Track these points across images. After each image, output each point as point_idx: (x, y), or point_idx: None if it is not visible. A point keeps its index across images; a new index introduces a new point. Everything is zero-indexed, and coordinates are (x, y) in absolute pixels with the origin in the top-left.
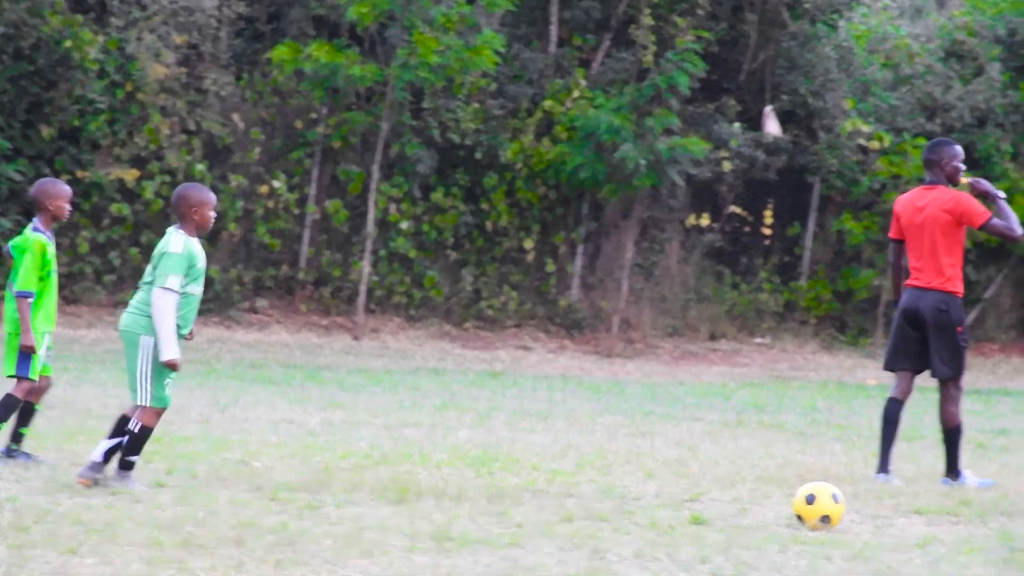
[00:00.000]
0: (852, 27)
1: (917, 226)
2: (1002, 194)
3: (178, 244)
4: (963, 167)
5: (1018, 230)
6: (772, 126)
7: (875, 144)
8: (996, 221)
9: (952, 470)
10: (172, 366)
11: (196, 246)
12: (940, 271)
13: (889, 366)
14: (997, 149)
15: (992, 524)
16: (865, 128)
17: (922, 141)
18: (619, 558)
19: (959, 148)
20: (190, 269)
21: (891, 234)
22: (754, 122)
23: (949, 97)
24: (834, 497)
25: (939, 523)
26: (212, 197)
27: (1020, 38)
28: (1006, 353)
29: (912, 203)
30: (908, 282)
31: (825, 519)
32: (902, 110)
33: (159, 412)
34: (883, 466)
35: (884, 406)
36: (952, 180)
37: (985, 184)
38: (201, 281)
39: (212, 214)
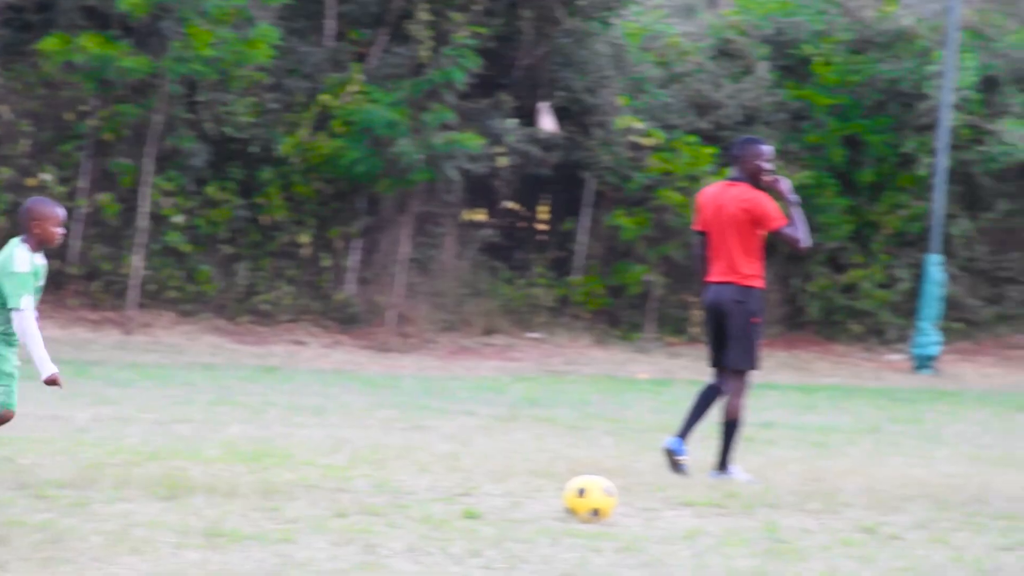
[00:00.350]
0: (626, 25)
1: (717, 222)
2: (797, 199)
3: (23, 262)
4: (767, 166)
5: (804, 241)
6: (547, 122)
7: (648, 141)
8: (787, 230)
9: (723, 463)
10: (53, 382)
11: (40, 260)
12: (738, 267)
13: (711, 363)
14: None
15: (758, 516)
16: (638, 125)
17: (693, 138)
18: (392, 552)
19: (766, 147)
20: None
21: (694, 226)
22: (529, 118)
23: (719, 95)
24: (605, 490)
25: (706, 515)
26: (59, 213)
27: (787, 38)
28: (772, 348)
29: (714, 198)
30: (708, 278)
31: (596, 512)
32: (674, 107)
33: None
34: (682, 432)
35: (703, 387)
36: (755, 178)
37: (784, 185)
38: (38, 297)
39: (58, 230)
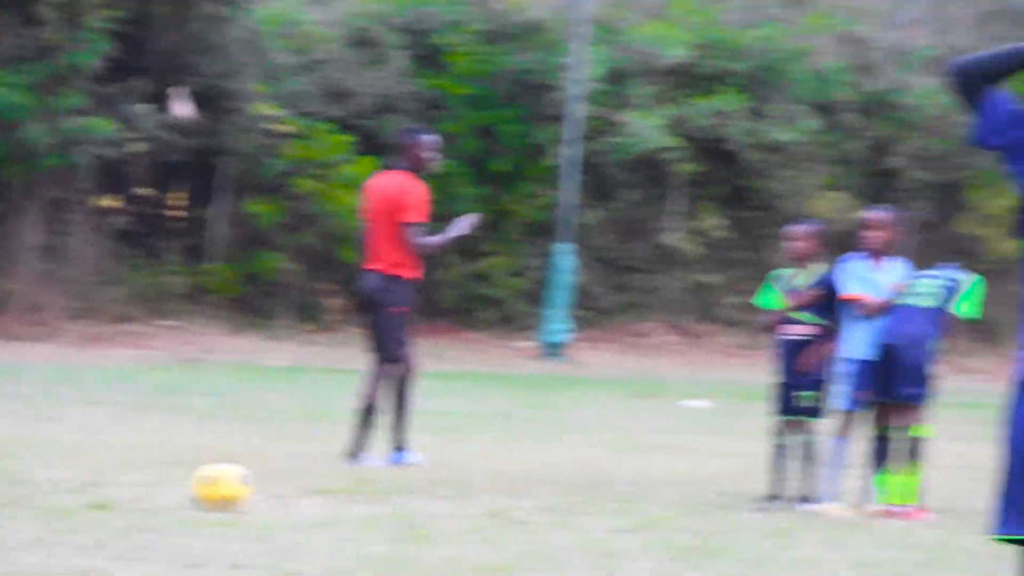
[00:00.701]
0: (261, 12)
1: (373, 209)
2: (463, 233)
3: None
4: (430, 156)
5: (422, 247)
6: (182, 108)
7: (283, 128)
8: (412, 230)
9: (356, 450)
10: None
11: None
12: (388, 254)
13: (368, 349)
14: None
15: (391, 502)
16: (274, 112)
17: (326, 126)
18: (16, 545)
19: (429, 137)
20: None
21: (361, 214)
22: (164, 103)
23: (355, 83)
24: (239, 478)
25: (340, 502)
26: None
27: (421, 27)
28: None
29: (374, 185)
30: (364, 264)
31: (228, 500)
32: (310, 95)
33: None
34: (397, 442)
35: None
36: (417, 168)
37: (465, 222)
38: None
39: None
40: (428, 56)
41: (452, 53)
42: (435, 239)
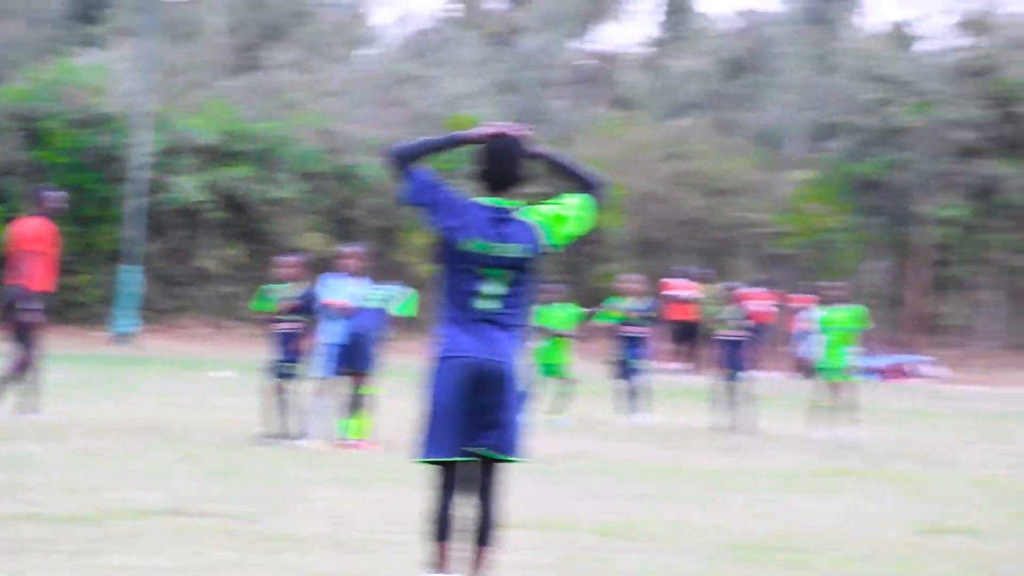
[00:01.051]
0: None
1: (14, 243)
2: (25, 309)
3: None
4: (57, 206)
5: (27, 274)
6: None
7: None
8: (30, 258)
9: None
10: None
11: None
12: (24, 274)
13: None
14: (17, 194)
15: (9, 444)
16: None
17: None
18: None
19: (56, 194)
20: None
21: (8, 247)
22: None
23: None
24: None
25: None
26: None
27: (31, 115)
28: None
29: (16, 227)
30: (8, 280)
31: None
32: None
33: None
34: (33, 407)
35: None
36: (48, 214)
37: (27, 311)
38: None
39: None
40: (36, 135)
41: (53, 134)
42: (30, 286)
